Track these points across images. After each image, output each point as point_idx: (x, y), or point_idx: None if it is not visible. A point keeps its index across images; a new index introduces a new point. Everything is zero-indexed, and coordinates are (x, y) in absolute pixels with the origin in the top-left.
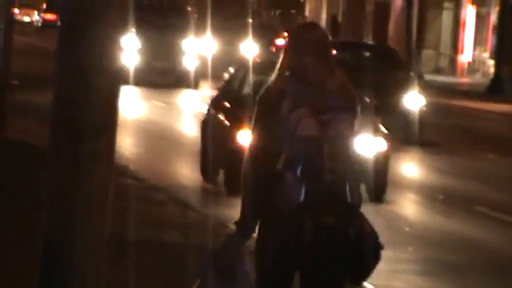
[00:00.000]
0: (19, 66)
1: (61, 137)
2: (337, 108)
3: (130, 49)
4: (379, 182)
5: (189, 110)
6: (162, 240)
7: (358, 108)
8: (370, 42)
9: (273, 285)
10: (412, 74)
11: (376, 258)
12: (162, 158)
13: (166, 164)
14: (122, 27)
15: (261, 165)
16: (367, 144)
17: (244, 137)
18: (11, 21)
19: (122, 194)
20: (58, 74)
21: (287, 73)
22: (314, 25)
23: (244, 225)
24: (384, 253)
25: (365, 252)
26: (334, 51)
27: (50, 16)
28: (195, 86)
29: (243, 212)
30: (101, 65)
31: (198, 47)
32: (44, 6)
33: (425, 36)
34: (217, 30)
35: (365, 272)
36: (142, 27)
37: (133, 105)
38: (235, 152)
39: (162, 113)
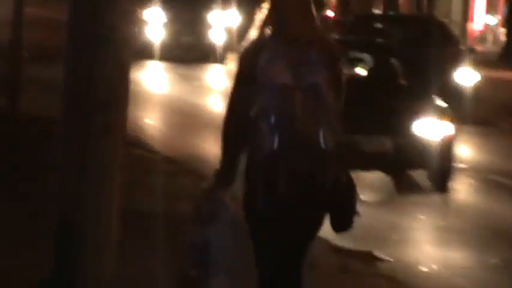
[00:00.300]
0: (29, 37)
1: (72, 110)
2: (315, 62)
3: (155, 23)
4: (444, 169)
5: (215, 85)
6: (175, 211)
7: (339, 63)
8: (418, 14)
9: (262, 232)
10: (463, 47)
11: (352, 210)
12: (180, 132)
13: (184, 137)
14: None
15: (238, 117)
16: (431, 127)
17: None
18: None
19: (135, 165)
20: (69, 47)
21: (268, 29)
22: None
23: (222, 175)
24: None
25: (340, 202)
26: (382, 26)
27: None
28: (222, 60)
29: (221, 163)
30: (112, 38)
31: (224, 20)
32: None
33: (436, 4)
34: (241, 2)
35: (342, 223)
36: (168, 1)
37: (156, 80)
38: None
39: (186, 88)
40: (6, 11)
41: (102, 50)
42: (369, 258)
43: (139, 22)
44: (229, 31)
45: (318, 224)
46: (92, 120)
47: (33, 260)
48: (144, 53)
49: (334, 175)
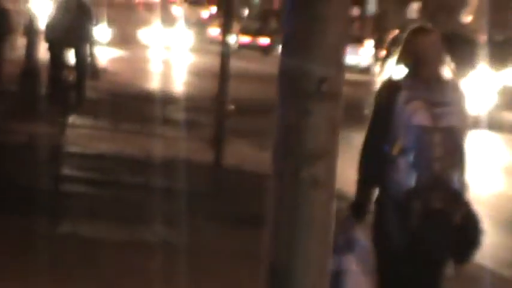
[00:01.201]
0: (233, 90)
1: (281, 163)
2: (449, 103)
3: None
4: None
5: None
6: None
7: (466, 106)
8: None
9: (391, 266)
10: None
11: (477, 243)
12: None
13: None
14: (345, 43)
15: (374, 154)
16: None
17: None
18: (228, 46)
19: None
20: (278, 99)
21: (403, 69)
22: (426, 29)
23: (356, 207)
24: None
25: (469, 237)
26: None
27: (245, 38)
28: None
29: (356, 196)
30: (321, 91)
31: None
32: (239, 28)
33: None
34: None
35: (468, 255)
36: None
37: None
38: None
39: None
40: (212, 64)
41: (311, 102)
42: None
43: None
44: None
45: (446, 257)
46: (300, 173)
47: None
48: None
49: (464, 212)
